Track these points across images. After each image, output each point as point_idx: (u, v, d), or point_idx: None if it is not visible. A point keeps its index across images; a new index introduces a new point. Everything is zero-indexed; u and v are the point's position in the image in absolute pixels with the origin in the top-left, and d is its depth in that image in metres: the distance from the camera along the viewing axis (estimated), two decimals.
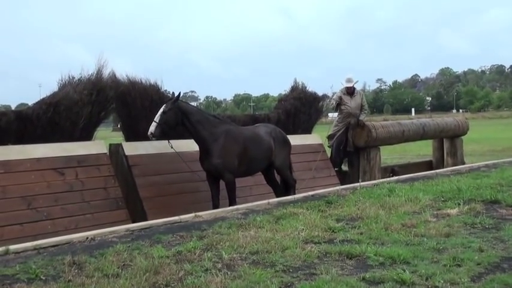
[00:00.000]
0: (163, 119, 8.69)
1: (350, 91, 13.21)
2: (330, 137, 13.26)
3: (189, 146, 9.70)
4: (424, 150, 22.99)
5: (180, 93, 8.97)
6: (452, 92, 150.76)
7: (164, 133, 8.79)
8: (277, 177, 10.21)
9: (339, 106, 13.18)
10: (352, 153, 13.26)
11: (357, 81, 13.47)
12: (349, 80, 13.21)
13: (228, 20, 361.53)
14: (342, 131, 13.11)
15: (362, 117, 13.29)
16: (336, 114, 13.64)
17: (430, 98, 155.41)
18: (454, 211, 7.41)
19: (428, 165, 16.06)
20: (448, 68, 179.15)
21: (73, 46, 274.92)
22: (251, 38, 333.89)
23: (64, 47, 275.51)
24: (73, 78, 9.55)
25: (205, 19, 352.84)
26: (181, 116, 8.82)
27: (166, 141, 9.09)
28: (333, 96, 13.61)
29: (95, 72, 9.59)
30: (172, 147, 9.09)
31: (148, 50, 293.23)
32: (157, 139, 8.87)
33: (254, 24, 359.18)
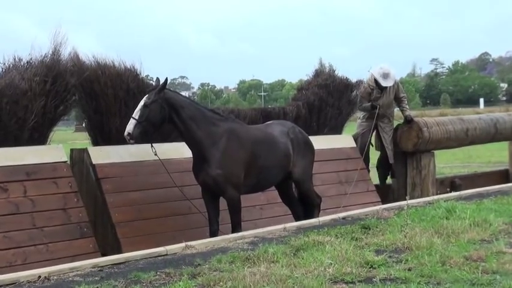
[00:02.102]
0: (144, 114, 8.69)
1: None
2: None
3: (179, 151, 9.74)
4: (496, 155, 22.97)
5: (166, 80, 8.97)
6: None
7: (146, 134, 8.81)
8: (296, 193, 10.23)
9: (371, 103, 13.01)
10: (389, 166, 13.21)
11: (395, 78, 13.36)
12: (385, 76, 12.92)
13: None
14: (366, 131, 13.06)
15: (407, 112, 13.25)
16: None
17: (506, 85, 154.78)
18: None
19: (503, 176, 16.04)
20: None
21: (16, 17, 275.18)
22: (258, 4, 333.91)
23: (4, 18, 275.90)
24: (20, 60, 9.57)
25: None
26: (169, 111, 8.83)
27: (149, 145, 9.11)
28: (360, 90, 13.26)
29: (50, 52, 9.61)
30: (156, 154, 9.11)
31: (118, 22, 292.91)
32: (136, 142, 8.89)
33: None
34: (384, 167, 13.42)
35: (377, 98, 12.94)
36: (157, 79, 9.10)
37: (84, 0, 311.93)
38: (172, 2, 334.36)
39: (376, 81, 12.94)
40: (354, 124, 14.24)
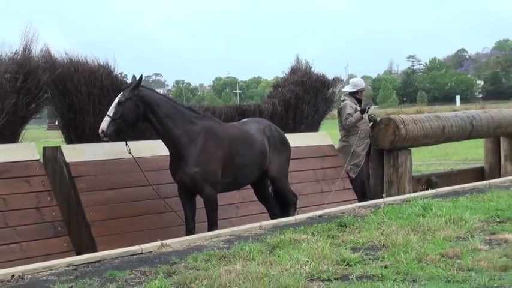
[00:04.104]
0: (118, 112, 8.71)
1: (361, 98, 13.29)
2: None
3: (155, 149, 9.76)
4: (472, 153, 23.16)
5: (141, 77, 8.96)
6: None
7: (120, 131, 8.84)
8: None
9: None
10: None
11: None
12: (356, 84, 13.25)
13: None
14: (364, 163, 13.09)
15: (372, 109, 13.33)
16: None
17: (483, 82, 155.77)
18: None
19: (479, 174, 16.16)
20: (507, 40, 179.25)
21: None
22: (222, 4, 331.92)
23: None
24: None
25: None
26: (144, 108, 8.84)
27: (123, 143, 9.13)
28: (344, 109, 12.93)
29: (21, 49, 9.56)
30: (130, 153, 9.12)
31: (81, 19, 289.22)
32: (110, 140, 8.90)
33: None
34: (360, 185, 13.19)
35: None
36: (134, 76, 9.09)
37: None
38: None
39: (354, 96, 13.12)
40: (331, 122, 14.27)
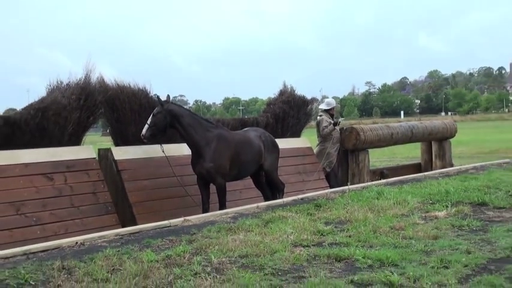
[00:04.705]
0: (153, 121, 8.81)
1: (333, 113, 13.27)
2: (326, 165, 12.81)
3: (179, 150, 9.74)
4: (412, 153, 23.12)
5: (168, 96, 9.05)
6: (441, 95, 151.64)
7: (155, 136, 8.89)
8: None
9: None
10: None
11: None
12: (329, 103, 13.27)
13: (200, 24, 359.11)
14: (336, 160, 13.03)
15: (342, 122, 13.33)
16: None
17: (419, 101, 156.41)
18: (442, 213, 7.46)
19: (417, 168, 16.13)
20: (436, 70, 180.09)
21: (53, 51, 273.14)
22: (228, 42, 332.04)
23: (44, 52, 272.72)
24: (61, 83, 9.54)
25: (177, 25, 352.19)
26: (171, 119, 8.86)
27: (156, 145, 9.14)
28: (322, 122, 12.87)
29: (83, 77, 9.58)
30: (163, 151, 9.13)
31: (126, 54, 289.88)
32: (148, 141, 8.96)
33: (228, 26, 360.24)
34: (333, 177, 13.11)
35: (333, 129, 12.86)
36: (168, 95, 9.17)
37: (98, 38, 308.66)
38: (163, 40, 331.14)
39: (328, 112, 13.05)
40: (310, 131, 14.25)
